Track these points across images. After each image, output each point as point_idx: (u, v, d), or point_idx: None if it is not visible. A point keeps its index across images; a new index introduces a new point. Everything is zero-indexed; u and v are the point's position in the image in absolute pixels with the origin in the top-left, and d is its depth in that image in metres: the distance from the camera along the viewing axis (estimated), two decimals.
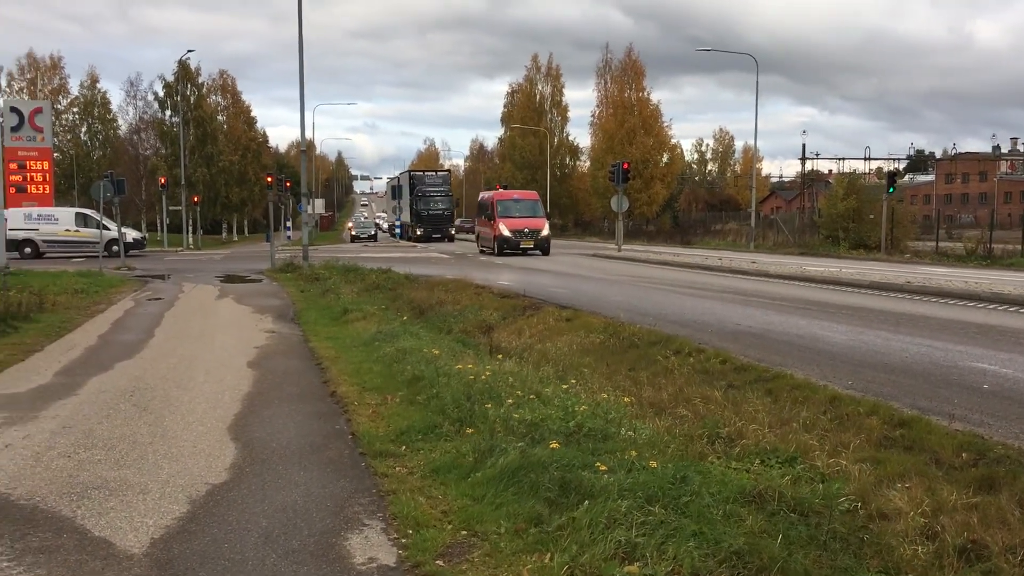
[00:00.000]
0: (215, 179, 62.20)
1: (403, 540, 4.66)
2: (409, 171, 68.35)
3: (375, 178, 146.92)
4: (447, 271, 24.30)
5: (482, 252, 39.04)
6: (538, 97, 77.60)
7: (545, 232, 37.06)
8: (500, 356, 10.09)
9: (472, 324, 14.14)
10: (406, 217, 63.43)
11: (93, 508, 5.17)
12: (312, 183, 67.70)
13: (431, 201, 60.28)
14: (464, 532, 4.72)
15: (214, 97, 69.26)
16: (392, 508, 5.12)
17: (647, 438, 6.33)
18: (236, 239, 70.01)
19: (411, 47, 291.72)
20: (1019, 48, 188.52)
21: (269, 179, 30.99)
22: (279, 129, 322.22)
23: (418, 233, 59.16)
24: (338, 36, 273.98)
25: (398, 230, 67.86)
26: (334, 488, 5.58)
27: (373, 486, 5.60)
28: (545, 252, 36.18)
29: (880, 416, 6.71)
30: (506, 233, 36.30)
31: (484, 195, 42.56)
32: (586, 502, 4.74)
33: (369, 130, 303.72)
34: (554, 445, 5.65)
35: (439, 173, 67.38)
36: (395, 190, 70.10)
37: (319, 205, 78.06)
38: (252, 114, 76.31)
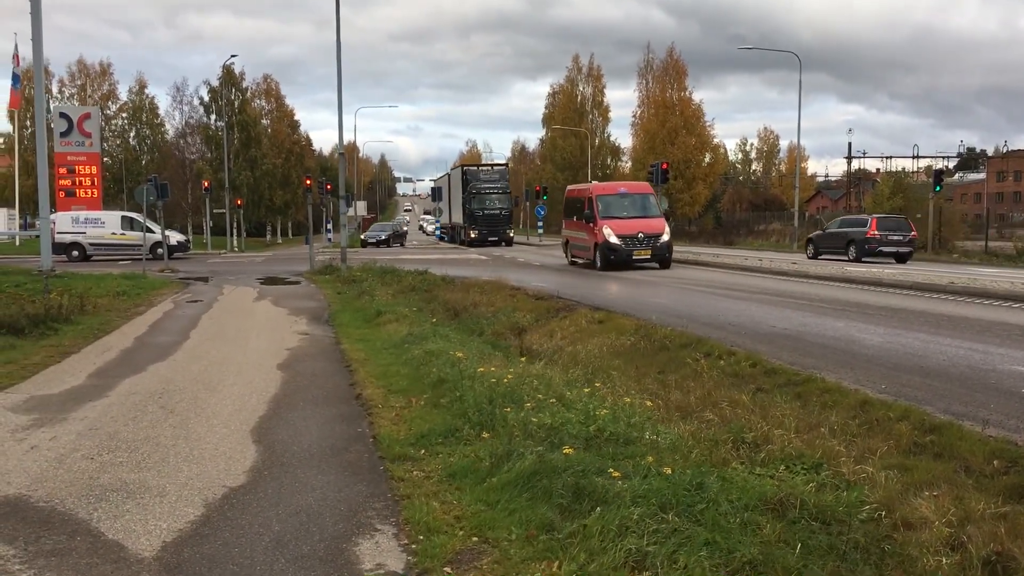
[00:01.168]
0: (258, 182, 62.95)
1: (413, 546, 4.61)
2: (462, 166, 58.86)
3: (418, 180, 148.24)
4: (483, 272, 24.30)
5: (573, 262, 29.75)
6: (579, 98, 77.29)
7: (666, 238, 26.33)
8: (528, 358, 10.03)
9: (504, 326, 14.09)
10: (457, 218, 56.27)
11: (109, 511, 5.21)
12: (353, 186, 68.27)
13: (487, 199, 52.71)
14: (475, 538, 4.66)
15: (258, 101, 70.10)
16: (405, 513, 5.08)
17: (670, 443, 6.22)
18: (279, 241, 70.77)
19: (452, 49, 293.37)
20: None
21: (308, 182, 31.24)
22: (323, 132, 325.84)
23: (472, 236, 52.01)
24: (380, 39, 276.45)
25: (438, 231, 67.68)
26: (350, 492, 5.56)
27: (389, 490, 5.56)
28: (664, 264, 26.32)
29: (911, 421, 6.53)
30: (613, 240, 25.82)
31: (574, 189, 31.98)
32: (598, 509, 4.65)
33: (412, 132, 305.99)
34: (568, 451, 5.57)
35: (496, 167, 58.43)
36: (436, 191, 70.02)
37: (361, 207, 78.47)
38: (296, 118, 77.14)
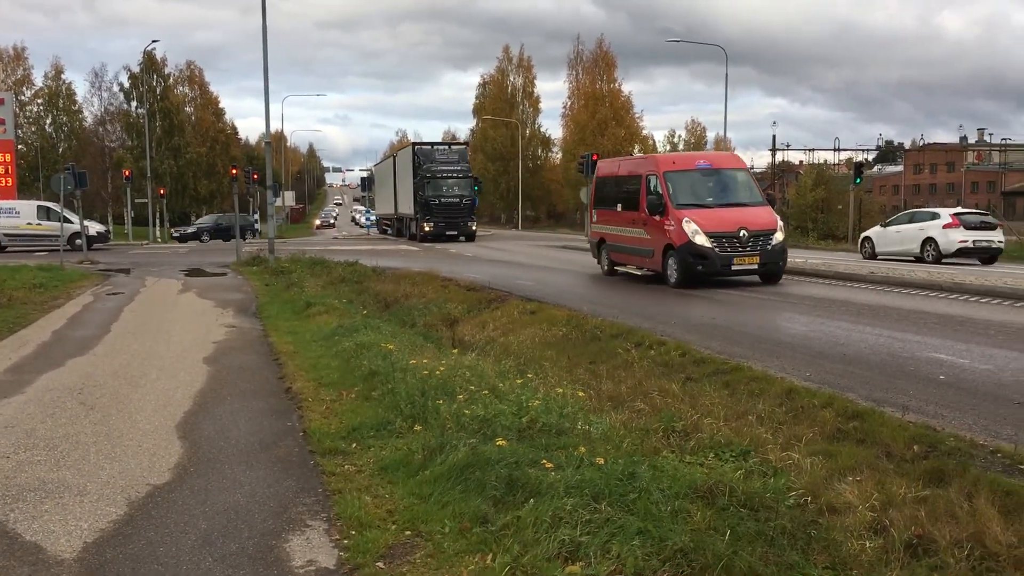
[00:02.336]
0: (182, 171, 61.59)
1: (345, 541, 4.55)
2: (413, 144, 46.75)
3: (347, 170, 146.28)
4: (414, 263, 24.14)
5: (612, 270, 20.39)
6: (510, 88, 77.44)
7: (780, 236, 17.53)
8: (460, 350, 10.00)
9: (436, 317, 14.06)
10: (406, 207, 46.51)
11: (27, 511, 5.02)
12: (281, 175, 67.15)
13: (444, 184, 42.89)
14: (408, 532, 4.62)
15: (181, 88, 68.46)
16: (337, 508, 5.00)
17: (602, 433, 6.26)
18: None
19: (382, 38, 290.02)
20: (986, 40, 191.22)
21: (234, 171, 30.66)
22: (249, 120, 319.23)
23: (426, 229, 42.38)
24: (307, 26, 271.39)
25: (369, 223, 65.71)
26: (279, 488, 5.46)
27: (319, 485, 5.48)
28: (776, 277, 17.65)
29: (835, 408, 6.69)
30: (700, 242, 16.87)
31: (614, 165, 21.65)
32: (532, 500, 4.65)
33: (341, 122, 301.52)
34: (501, 443, 5.56)
35: (454, 147, 47.72)
36: (366, 181, 68.97)
37: (289, 198, 77.23)
38: (221, 105, 75.44)
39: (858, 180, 37.46)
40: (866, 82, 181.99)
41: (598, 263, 21.09)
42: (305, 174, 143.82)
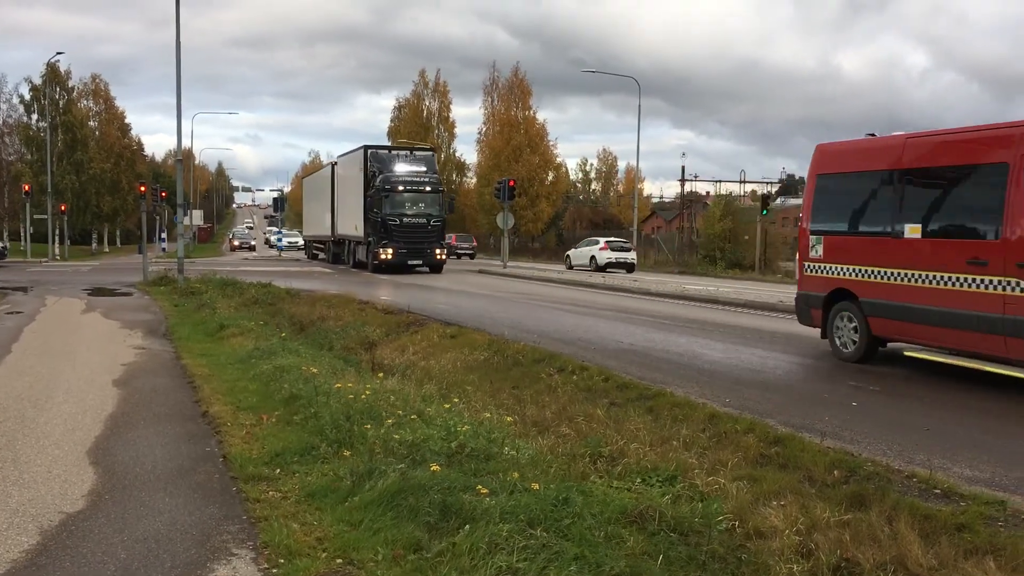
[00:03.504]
0: (85, 187, 59.42)
1: (274, 570, 4.43)
2: (365, 147, 35.15)
3: (257, 190, 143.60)
4: (330, 286, 23.80)
5: (872, 348, 10.74)
6: (425, 112, 77.32)
7: None
8: (382, 374, 9.89)
9: (354, 341, 13.87)
10: (349, 228, 36.51)
11: None
12: (190, 194, 65.49)
13: (408, 200, 32.79)
14: (339, 560, 4.52)
15: (85, 102, 66.13)
16: (263, 536, 4.87)
17: (530, 458, 6.26)
18: (107, 250, 66.96)
19: (295, 57, 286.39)
20: (879, 79, 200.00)
21: (142, 188, 29.78)
22: (156, 137, 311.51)
23: (383, 257, 32.29)
24: (219, 43, 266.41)
25: (282, 245, 63.20)
26: (202, 515, 5.27)
27: (244, 512, 5.32)
28: None
29: (757, 434, 6.84)
30: None
31: (867, 150, 11.14)
32: (467, 526, 4.62)
33: (252, 141, 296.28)
34: (435, 468, 5.50)
35: (418, 152, 36.65)
36: (278, 201, 67.40)
37: (197, 216, 75.19)
38: (126, 120, 73.21)
39: (765, 212, 38.65)
40: (769, 117, 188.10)
41: (824, 336, 11.40)
42: (214, 193, 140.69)
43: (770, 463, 6.26)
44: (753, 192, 68.38)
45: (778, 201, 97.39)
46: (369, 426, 6.67)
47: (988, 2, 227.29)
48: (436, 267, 33.41)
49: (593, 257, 38.57)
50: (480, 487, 5.14)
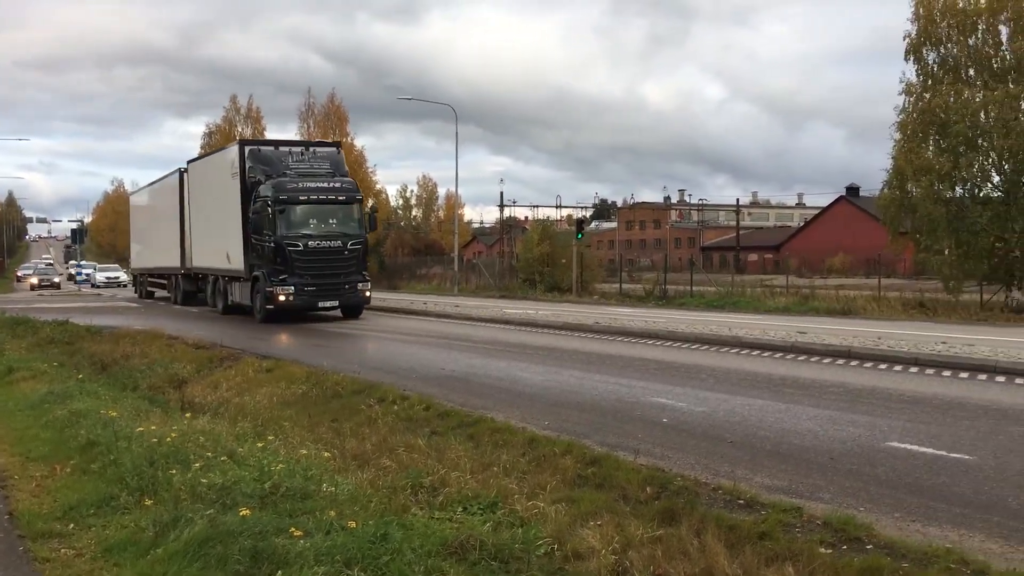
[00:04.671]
0: None
1: None
2: (241, 142, 26.61)
3: (54, 220, 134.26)
4: (136, 322, 22.49)
5: None
6: (237, 138, 75.01)
7: None
8: (191, 414, 9.39)
9: (162, 379, 13.20)
10: (217, 259, 26.19)
11: None
12: None
13: (314, 215, 22.84)
14: None
15: None
16: None
17: (349, 494, 6.09)
18: None
19: (92, 80, 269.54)
20: (682, 110, 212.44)
21: None
22: None
23: (282, 299, 21.99)
24: (6, 65, 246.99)
25: (83, 279, 58.89)
26: None
27: (32, 574, 4.86)
28: None
29: (574, 455, 6.97)
30: None
31: None
32: (280, 572, 4.41)
33: (46, 168, 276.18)
34: (245, 512, 5.24)
35: (318, 150, 25.52)
36: (77, 233, 63.37)
37: None
38: None
39: (580, 235, 39.92)
40: (582, 144, 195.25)
41: None
42: (3, 224, 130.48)
43: (587, 483, 6.39)
44: (569, 216, 70.67)
45: (593, 225, 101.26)
46: (175, 471, 6.28)
47: (775, 40, 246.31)
48: (355, 309, 24.24)
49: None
50: (294, 529, 4.93)
